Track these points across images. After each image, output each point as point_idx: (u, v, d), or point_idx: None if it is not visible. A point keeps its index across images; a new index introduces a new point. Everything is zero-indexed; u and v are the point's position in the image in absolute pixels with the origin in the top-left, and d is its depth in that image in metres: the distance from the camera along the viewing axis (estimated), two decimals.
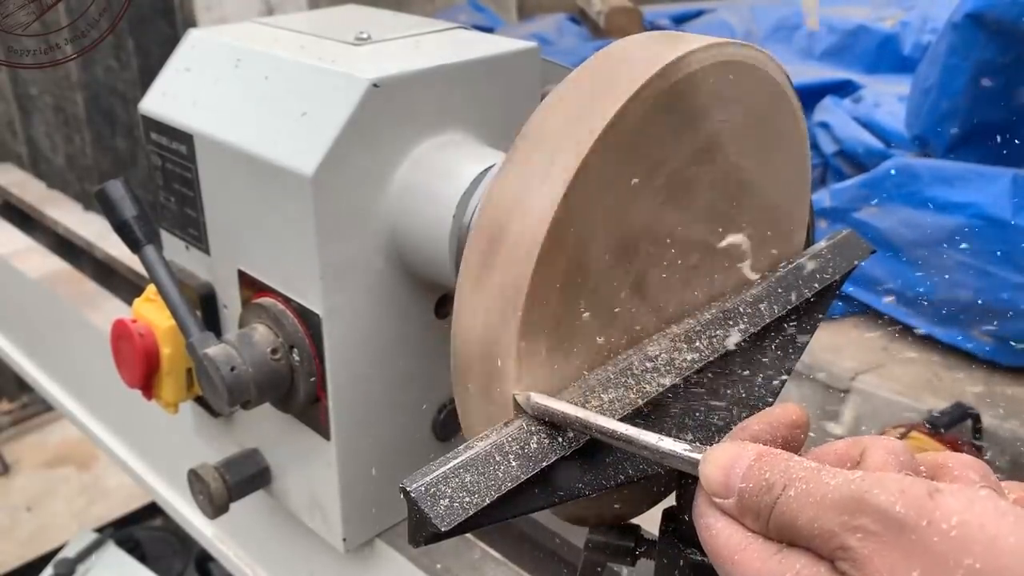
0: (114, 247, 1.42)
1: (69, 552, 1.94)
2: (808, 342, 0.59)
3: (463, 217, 0.62)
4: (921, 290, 2.26)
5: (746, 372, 0.55)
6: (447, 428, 0.77)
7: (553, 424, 0.46)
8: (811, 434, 0.44)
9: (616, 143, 0.47)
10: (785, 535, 0.36)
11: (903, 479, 0.34)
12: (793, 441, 0.42)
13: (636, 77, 0.47)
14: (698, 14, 3.74)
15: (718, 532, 0.39)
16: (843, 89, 2.83)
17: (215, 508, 0.77)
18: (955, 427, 1.95)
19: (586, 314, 0.50)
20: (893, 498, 0.33)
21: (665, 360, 0.51)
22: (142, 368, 0.76)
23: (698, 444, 0.41)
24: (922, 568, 0.32)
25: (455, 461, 0.43)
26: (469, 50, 0.70)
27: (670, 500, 0.52)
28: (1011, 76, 2.14)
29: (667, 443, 0.42)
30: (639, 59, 0.49)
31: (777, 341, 0.57)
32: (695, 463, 0.40)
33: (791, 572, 0.36)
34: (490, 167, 0.64)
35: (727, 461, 0.39)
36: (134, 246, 0.73)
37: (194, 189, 0.74)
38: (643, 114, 0.48)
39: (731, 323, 0.55)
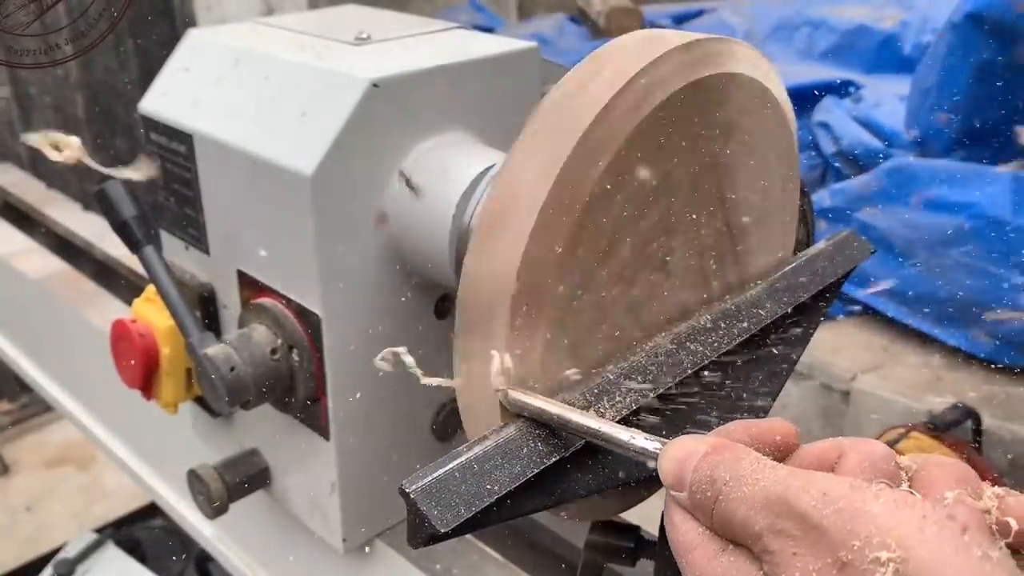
0: (114, 247, 1.41)
1: (69, 552, 1.94)
2: (808, 342, 0.59)
3: (463, 217, 0.62)
4: (921, 290, 2.27)
5: (746, 372, 0.55)
6: (447, 428, 0.77)
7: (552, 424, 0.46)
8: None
9: (634, 140, 0.47)
10: (727, 533, 0.36)
11: (830, 480, 0.34)
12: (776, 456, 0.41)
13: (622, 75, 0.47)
14: (698, 14, 3.74)
15: (675, 527, 0.38)
16: (843, 89, 2.82)
17: (215, 508, 0.77)
18: (955, 427, 1.95)
19: (586, 313, 0.49)
20: (814, 501, 0.33)
21: (667, 360, 0.51)
22: (142, 368, 0.76)
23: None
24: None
25: (455, 462, 0.43)
26: (469, 50, 0.70)
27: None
28: (1011, 76, 2.14)
29: (639, 439, 0.41)
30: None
31: (777, 341, 0.57)
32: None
33: (729, 574, 0.35)
34: (490, 167, 0.64)
35: (681, 454, 0.38)
36: (134, 246, 0.72)
37: (194, 189, 0.74)
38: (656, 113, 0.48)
39: (732, 323, 0.55)
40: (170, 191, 0.78)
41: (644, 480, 0.49)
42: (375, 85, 0.62)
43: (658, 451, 0.40)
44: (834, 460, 0.38)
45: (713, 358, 0.52)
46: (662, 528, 0.52)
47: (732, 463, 0.36)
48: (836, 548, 0.31)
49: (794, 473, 0.35)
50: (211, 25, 0.85)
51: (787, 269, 0.60)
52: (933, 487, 0.35)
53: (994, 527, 0.32)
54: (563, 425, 0.44)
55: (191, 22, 2.20)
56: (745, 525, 0.34)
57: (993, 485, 0.35)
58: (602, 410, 0.47)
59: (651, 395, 0.49)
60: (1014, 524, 0.32)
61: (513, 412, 0.47)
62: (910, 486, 0.35)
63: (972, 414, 1.99)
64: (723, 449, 0.37)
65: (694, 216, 0.54)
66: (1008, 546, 0.32)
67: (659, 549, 0.52)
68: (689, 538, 0.37)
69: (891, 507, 0.32)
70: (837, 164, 2.60)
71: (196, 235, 0.77)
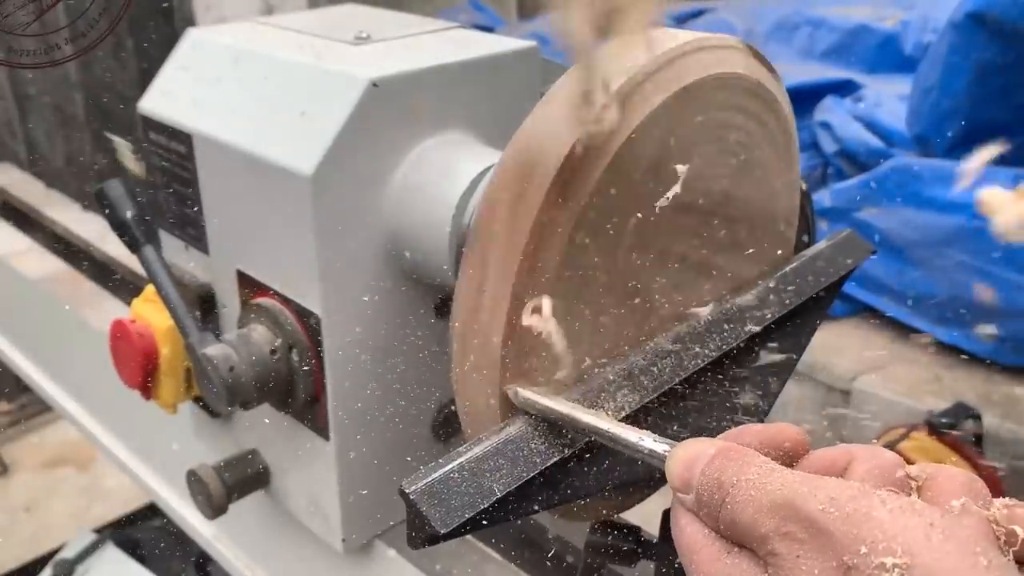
0: (113, 247, 1.41)
1: (68, 553, 1.94)
2: (809, 342, 0.59)
3: (463, 217, 0.62)
4: (921, 290, 2.26)
5: (746, 372, 0.55)
6: (447, 428, 0.76)
7: (552, 425, 0.46)
8: None
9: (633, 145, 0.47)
10: (733, 535, 0.36)
11: (838, 485, 0.34)
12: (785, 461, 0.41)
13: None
14: (699, 13, 3.73)
15: (681, 529, 0.38)
16: (844, 89, 2.82)
17: (214, 509, 0.76)
18: (956, 427, 1.95)
19: (587, 313, 0.49)
20: (821, 505, 0.33)
21: (667, 361, 0.51)
22: (141, 368, 0.76)
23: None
24: None
25: (455, 463, 0.43)
26: (469, 50, 0.70)
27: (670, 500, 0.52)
28: (1012, 76, 2.14)
29: (647, 441, 0.41)
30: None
31: (778, 341, 0.57)
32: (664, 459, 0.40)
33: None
34: (490, 167, 0.63)
35: (689, 457, 0.38)
36: (133, 246, 0.72)
37: (193, 189, 0.74)
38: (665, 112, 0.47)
39: (732, 323, 0.55)
40: (170, 191, 0.78)
41: (644, 481, 0.49)
42: (375, 85, 0.62)
43: (666, 453, 0.40)
44: (843, 467, 0.38)
45: (713, 358, 0.52)
46: (662, 528, 0.52)
47: (739, 466, 0.36)
48: (841, 552, 0.31)
49: (802, 477, 0.35)
50: (210, 25, 0.85)
51: (787, 269, 0.60)
52: (941, 496, 0.35)
53: (1002, 537, 0.32)
54: (571, 424, 0.44)
55: (191, 22, 2.20)
56: (751, 527, 0.35)
57: (996, 486, 0.35)
58: (600, 410, 0.47)
59: (651, 395, 0.49)
60: (1021, 533, 0.32)
61: (519, 409, 0.47)
62: (919, 495, 0.35)
63: (972, 414, 1.98)
64: (731, 452, 0.37)
65: (693, 218, 0.54)
66: (1016, 556, 0.32)
67: (660, 550, 0.51)
68: (694, 540, 0.37)
69: (898, 513, 0.32)
70: (838, 164, 2.59)
71: (196, 235, 0.77)
